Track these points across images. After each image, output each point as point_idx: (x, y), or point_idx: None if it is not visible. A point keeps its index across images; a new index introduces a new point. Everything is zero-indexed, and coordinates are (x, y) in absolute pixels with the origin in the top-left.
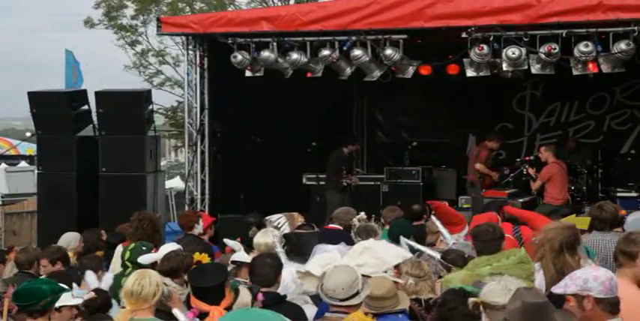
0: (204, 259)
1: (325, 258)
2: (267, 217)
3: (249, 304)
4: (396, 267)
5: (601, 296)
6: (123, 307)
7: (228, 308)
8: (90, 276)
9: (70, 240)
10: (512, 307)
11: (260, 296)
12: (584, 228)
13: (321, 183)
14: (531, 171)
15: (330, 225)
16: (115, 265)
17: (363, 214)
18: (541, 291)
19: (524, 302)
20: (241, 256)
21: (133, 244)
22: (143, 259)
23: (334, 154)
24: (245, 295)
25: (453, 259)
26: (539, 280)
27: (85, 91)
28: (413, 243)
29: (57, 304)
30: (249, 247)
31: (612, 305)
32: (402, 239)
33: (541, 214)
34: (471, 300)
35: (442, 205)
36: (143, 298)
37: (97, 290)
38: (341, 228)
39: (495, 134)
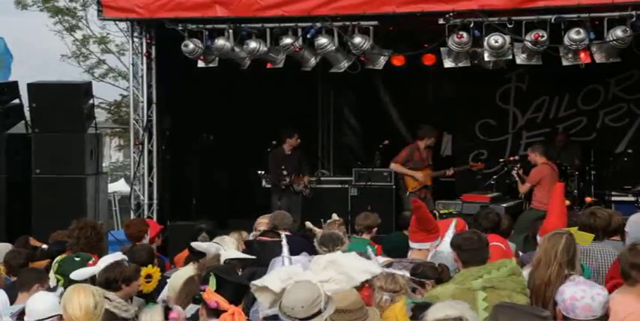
0: (156, 273)
1: (286, 271)
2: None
3: None
4: (368, 282)
5: (563, 313)
6: None
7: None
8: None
9: (1, 251)
10: None
11: None
12: (586, 245)
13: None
14: (519, 172)
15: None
16: (53, 277)
17: (335, 216)
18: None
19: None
20: (235, 253)
21: (64, 255)
22: (76, 274)
23: (270, 154)
24: None
25: (424, 272)
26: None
27: (15, 83)
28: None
29: None
30: (195, 255)
31: None
32: (369, 251)
33: (562, 211)
34: None
35: (424, 206)
36: (98, 314)
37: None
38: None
39: (423, 131)
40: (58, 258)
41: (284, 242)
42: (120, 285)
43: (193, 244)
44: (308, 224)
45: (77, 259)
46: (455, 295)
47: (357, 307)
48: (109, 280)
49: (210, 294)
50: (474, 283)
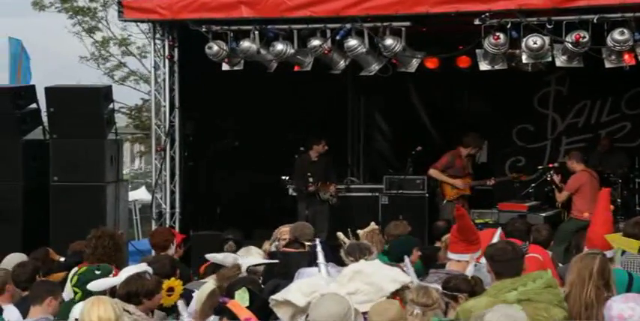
0: (178, 286)
1: (309, 285)
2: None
3: None
4: (397, 294)
5: None
6: None
7: None
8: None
9: (15, 262)
10: None
11: None
12: (635, 252)
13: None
14: (556, 179)
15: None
16: (69, 290)
17: (373, 224)
18: None
19: None
20: (256, 260)
21: (84, 267)
22: (93, 285)
23: (296, 160)
24: None
25: (457, 286)
26: None
27: (33, 87)
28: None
29: None
30: (216, 265)
31: None
32: (406, 260)
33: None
34: None
35: (467, 215)
36: None
37: None
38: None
39: (470, 139)
40: (75, 270)
41: (319, 249)
42: (141, 299)
43: (208, 256)
44: (339, 235)
45: (98, 272)
46: (488, 308)
47: None
48: (130, 294)
49: (241, 309)
50: (508, 296)
